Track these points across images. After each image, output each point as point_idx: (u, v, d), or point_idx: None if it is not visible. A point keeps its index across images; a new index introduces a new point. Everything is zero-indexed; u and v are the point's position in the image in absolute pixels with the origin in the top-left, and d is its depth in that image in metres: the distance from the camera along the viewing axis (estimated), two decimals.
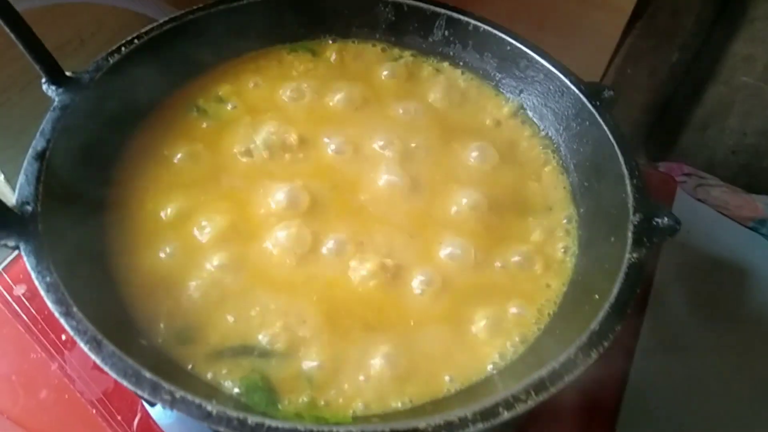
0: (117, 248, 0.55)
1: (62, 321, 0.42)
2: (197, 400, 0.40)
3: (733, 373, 1.01)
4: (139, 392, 0.40)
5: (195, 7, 0.68)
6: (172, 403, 0.40)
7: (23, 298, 0.69)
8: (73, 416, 0.63)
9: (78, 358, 0.66)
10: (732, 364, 1.02)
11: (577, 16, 1.01)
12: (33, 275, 0.45)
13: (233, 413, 0.39)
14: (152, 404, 0.61)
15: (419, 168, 0.64)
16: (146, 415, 0.65)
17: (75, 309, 0.43)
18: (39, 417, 0.63)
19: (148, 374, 0.41)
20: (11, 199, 0.49)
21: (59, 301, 0.43)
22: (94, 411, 0.63)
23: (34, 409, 0.63)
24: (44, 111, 0.80)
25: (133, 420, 0.65)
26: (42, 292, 0.44)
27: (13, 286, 0.70)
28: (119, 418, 0.63)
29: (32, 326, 0.67)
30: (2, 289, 0.70)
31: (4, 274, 0.72)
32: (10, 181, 0.82)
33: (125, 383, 0.41)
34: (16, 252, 0.73)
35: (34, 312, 0.68)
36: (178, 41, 0.66)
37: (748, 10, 1.06)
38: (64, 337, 0.67)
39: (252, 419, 0.39)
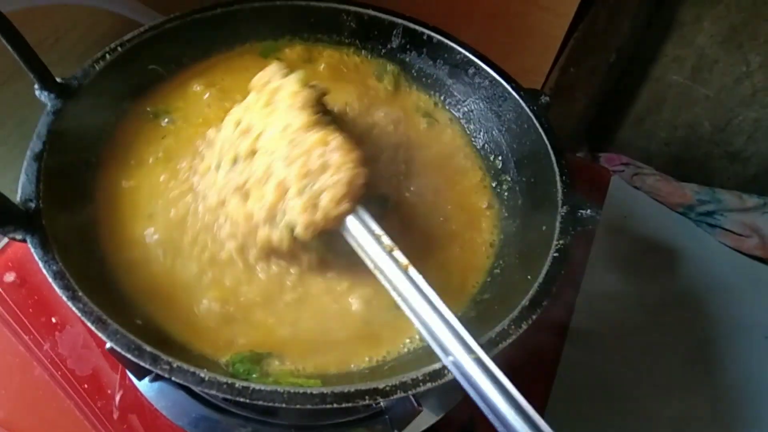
0: (106, 232, 0.61)
1: (70, 304, 0.49)
2: (192, 369, 0.47)
3: (661, 346, 1.12)
4: (141, 363, 0.47)
5: (172, 16, 0.74)
6: (170, 372, 0.47)
7: (13, 285, 0.75)
8: (66, 392, 0.69)
9: (68, 338, 0.72)
10: (661, 338, 1.13)
11: (524, 18, 1.08)
12: (41, 265, 0.51)
13: (223, 378, 0.47)
14: (140, 378, 0.68)
15: None
16: (128, 390, 0.71)
17: (80, 293, 0.50)
18: (34, 392, 0.69)
19: (148, 348, 0.48)
20: None
21: (66, 287, 0.50)
22: (86, 386, 0.69)
23: (29, 385, 0.69)
24: (21, 106, 0.85)
25: (117, 395, 0.71)
26: (50, 280, 0.50)
27: (2, 274, 0.76)
28: (108, 392, 0.70)
29: (24, 310, 0.73)
30: None
31: None
32: None
33: (129, 356, 0.48)
34: (3, 241, 0.79)
35: (24, 297, 0.74)
36: (157, 47, 0.72)
37: (678, 16, 1.17)
38: (54, 320, 0.73)
39: (239, 383, 0.47)
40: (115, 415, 0.71)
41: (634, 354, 1.07)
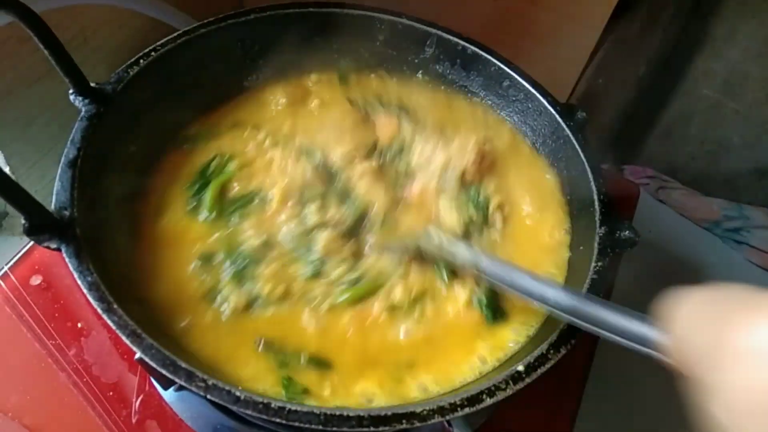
0: (149, 242, 0.61)
1: (105, 317, 0.48)
2: (227, 387, 0.46)
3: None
4: (176, 379, 0.47)
5: (206, 20, 0.73)
6: (206, 390, 0.46)
7: (39, 289, 0.74)
8: (89, 400, 0.69)
9: (94, 345, 0.71)
10: None
11: (553, 29, 1.07)
12: (75, 276, 0.50)
13: (259, 398, 0.46)
14: (166, 388, 0.67)
15: None
16: (149, 396, 0.71)
17: (115, 306, 0.49)
18: (59, 399, 0.68)
19: (183, 364, 0.47)
20: None
21: (101, 299, 0.49)
22: (110, 393, 0.69)
23: (54, 391, 0.69)
24: (48, 107, 0.85)
25: (137, 401, 0.71)
26: (85, 291, 0.49)
27: (29, 277, 0.75)
28: (132, 399, 0.69)
29: (50, 314, 0.72)
30: (18, 280, 0.75)
31: (13, 271, 0.77)
32: (16, 172, 0.86)
33: (163, 371, 0.47)
34: (29, 244, 0.78)
35: (50, 301, 0.73)
36: (192, 53, 0.71)
37: (711, 29, 1.15)
38: (80, 325, 0.72)
39: (275, 403, 0.46)
40: (134, 420, 0.70)
41: (658, 376, 1.05)
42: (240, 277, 0.60)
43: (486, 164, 0.72)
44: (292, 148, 0.70)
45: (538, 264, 0.65)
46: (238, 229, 0.64)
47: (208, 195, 0.65)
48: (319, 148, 0.71)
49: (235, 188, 0.67)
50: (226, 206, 0.66)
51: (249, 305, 0.59)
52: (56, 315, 0.73)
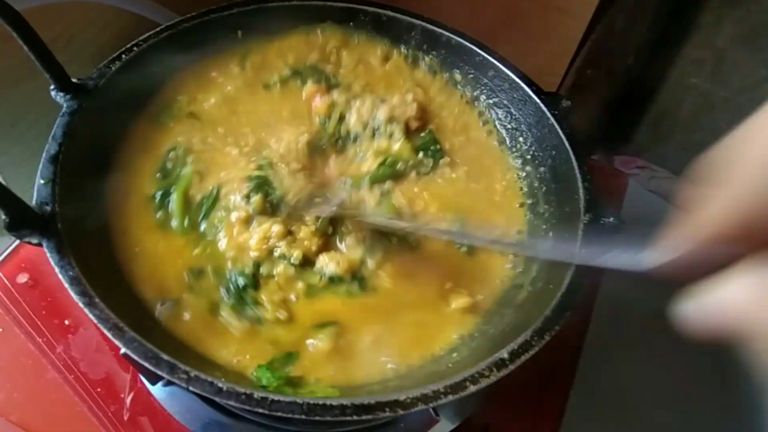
0: (120, 230, 0.61)
1: (86, 311, 0.48)
2: (209, 378, 0.46)
3: (677, 355, 1.10)
4: (158, 372, 0.47)
5: (188, 15, 0.73)
6: (188, 382, 0.46)
7: (26, 286, 0.74)
8: (79, 395, 0.69)
9: (81, 341, 0.71)
10: (676, 347, 1.11)
11: (540, 20, 1.07)
12: (57, 270, 0.50)
13: (241, 389, 0.46)
14: (153, 383, 0.67)
15: None
16: (139, 392, 0.71)
17: (97, 300, 0.49)
18: (47, 395, 0.68)
19: (165, 356, 0.47)
20: None
21: (82, 293, 0.49)
22: (99, 389, 0.69)
23: (42, 388, 0.68)
24: (35, 105, 0.84)
25: (128, 397, 0.71)
26: (66, 285, 0.49)
27: (16, 276, 0.75)
28: (121, 396, 0.69)
29: (37, 312, 0.72)
30: (4, 278, 0.74)
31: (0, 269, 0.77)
32: (3, 172, 0.86)
33: (146, 364, 0.47)
34: (16, 242, 0.78)
35: (37, 299, 0.73)
36: (174, 47, 0.71)
37: (698, 18, 1.15)
38: (67, 322, 0.72)
39: (258, 394, 0.46)
40: (126, 417, 0.70)
41: (648, 363, 1.05)
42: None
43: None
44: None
45: None
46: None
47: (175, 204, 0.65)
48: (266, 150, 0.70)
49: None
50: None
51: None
52: (43, 312, 0.73)
